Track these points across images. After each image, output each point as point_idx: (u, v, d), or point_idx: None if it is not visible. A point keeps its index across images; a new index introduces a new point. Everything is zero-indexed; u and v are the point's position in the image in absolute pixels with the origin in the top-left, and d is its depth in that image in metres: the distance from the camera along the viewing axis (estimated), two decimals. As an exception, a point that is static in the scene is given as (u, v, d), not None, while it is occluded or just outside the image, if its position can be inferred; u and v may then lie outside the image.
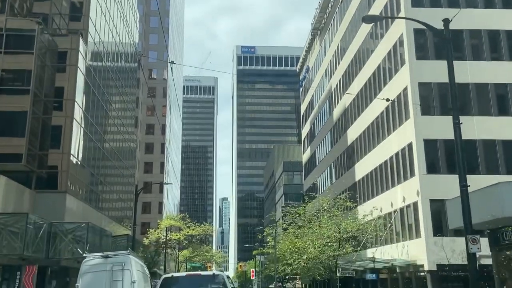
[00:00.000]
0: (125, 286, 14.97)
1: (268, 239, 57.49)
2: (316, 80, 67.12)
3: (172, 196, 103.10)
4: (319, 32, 66.51)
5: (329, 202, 39.78)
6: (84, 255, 16.36)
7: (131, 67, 62.03)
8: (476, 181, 19.80)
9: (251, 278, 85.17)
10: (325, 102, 60.97)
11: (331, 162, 56.67)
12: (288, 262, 42.58)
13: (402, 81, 35.42)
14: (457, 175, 14.97)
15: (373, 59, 42.48)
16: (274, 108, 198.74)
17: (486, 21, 35.34)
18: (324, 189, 57.55)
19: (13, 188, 30.35)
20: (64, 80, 37.43)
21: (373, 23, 42.24)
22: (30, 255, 26.57)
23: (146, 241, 58.64)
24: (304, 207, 46.28)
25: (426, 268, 31.22)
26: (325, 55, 62.20)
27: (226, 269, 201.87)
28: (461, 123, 15.40)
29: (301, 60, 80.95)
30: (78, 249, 30.21)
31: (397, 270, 35.93)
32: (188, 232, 60.89)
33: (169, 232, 58.24)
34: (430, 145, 32.99)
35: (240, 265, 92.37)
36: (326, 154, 59.76)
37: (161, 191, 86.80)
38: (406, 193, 34.36)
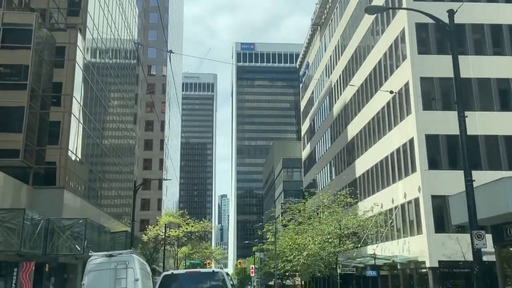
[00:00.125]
0: (129, 284, 15.71)
1: (267, 236, 57.21)
2: (316, 75, 66.74)
3: (171, 193, 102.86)
4: (319, 27, 66.13)
5: (330, 198, 39.49)
6: (89, 254, 17.01)
7: (130, 63, 61.67)
8: (478, 177, 19.36)
9: (251, 275, 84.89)
10: (325, 98, 60.64)
11: (331, 158, 56.37)
12: (288, 258, 42.31)
13: (404, 75, 35.08)
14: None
15: (374, 54, 42.13)
16: (273, 105, 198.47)
17: (488, 15, 35.00)
18: (324, 185, 57.26)
19: (10, 184, 30.06)
20: (62, 75, 37.13)
21: (373, 19, 42.04)
22: (27, 252, 26.32)
23: (145, 238, 58.46)
24: (304, 203, 45.98)
25: (427, 264, 30.93)
26: (325, 50, 61.84)
27: (225, 266, 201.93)
28: (467, 116, 15.04)
29: (301, 56, 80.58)
30: (76, 246, 30.01)
31: (398, 267, 35.65)
32: (187, 229, 60.71)
33: (168, 228, 58.02)
34: (431, 140, 32.68)
35: (240, 262, 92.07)
36: (326, 150, 59.47)
37: (160, 187, 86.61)
38: (407, 189, 34.06)
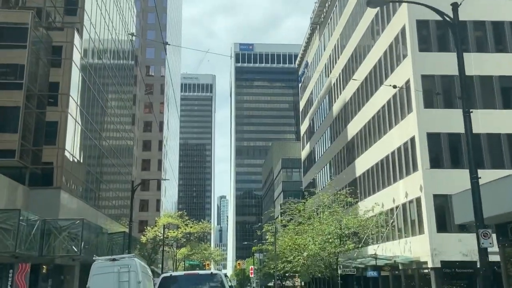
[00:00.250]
0: (132, 286, 16.76)
1: (267, 236, 56.81)
2: (315, 75, 66.36)
3: (170, 194, 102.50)
4: (318, 26, 65.73)
5: (330, 198, 39.07)
6: (94, 258, 17.89)
7: (128, 64, 61.25)
8: (480, 176, 19.06)
9: (250, 276, 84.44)
10: (325, 97, 60.24)
11: (331, 158, 55.96)
12: (288, 259, 41.86)
13: (405, 73, 34.68)
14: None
15: (374, 52, 41.71)
16: (272, 106, 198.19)
17: (490, 12, 34.60)
18: (324, 185, 56.83)
19: (5, 184, 29.64)
20: (59, 75, 36.77)
21: (373, 17, 41.66)
22: (22, 253, 25.89)
23: (143, 239, 58.08)
24: (304, 203, 45.54)
25: (429, 265, 30.48)
26: (324, 49, 61.44)
27: (224, 267, 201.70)
28: (471, 111, 14.63)
29: (300, 55, 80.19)
30: (73, 247, 29.60)
31: (400, 267, 35.21)
32: (186, 230, 60.39)
33: (167, 229, 57.62)
34: (433, 138, 32.24)
35: (239, 263, 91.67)
36: (326, 150, 59.06)
37: (158, 188, 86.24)
38: (409, 188, 33.64)
